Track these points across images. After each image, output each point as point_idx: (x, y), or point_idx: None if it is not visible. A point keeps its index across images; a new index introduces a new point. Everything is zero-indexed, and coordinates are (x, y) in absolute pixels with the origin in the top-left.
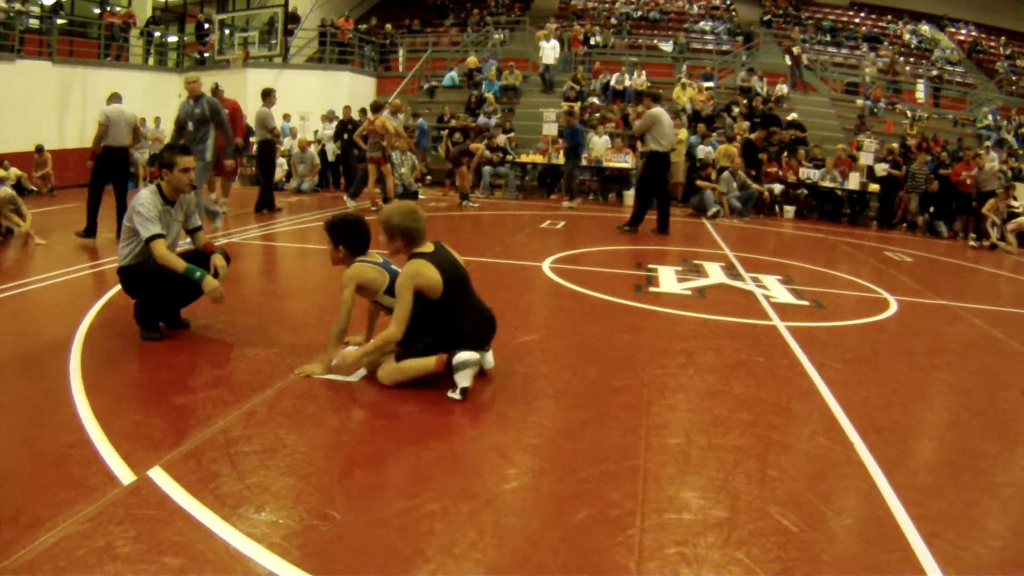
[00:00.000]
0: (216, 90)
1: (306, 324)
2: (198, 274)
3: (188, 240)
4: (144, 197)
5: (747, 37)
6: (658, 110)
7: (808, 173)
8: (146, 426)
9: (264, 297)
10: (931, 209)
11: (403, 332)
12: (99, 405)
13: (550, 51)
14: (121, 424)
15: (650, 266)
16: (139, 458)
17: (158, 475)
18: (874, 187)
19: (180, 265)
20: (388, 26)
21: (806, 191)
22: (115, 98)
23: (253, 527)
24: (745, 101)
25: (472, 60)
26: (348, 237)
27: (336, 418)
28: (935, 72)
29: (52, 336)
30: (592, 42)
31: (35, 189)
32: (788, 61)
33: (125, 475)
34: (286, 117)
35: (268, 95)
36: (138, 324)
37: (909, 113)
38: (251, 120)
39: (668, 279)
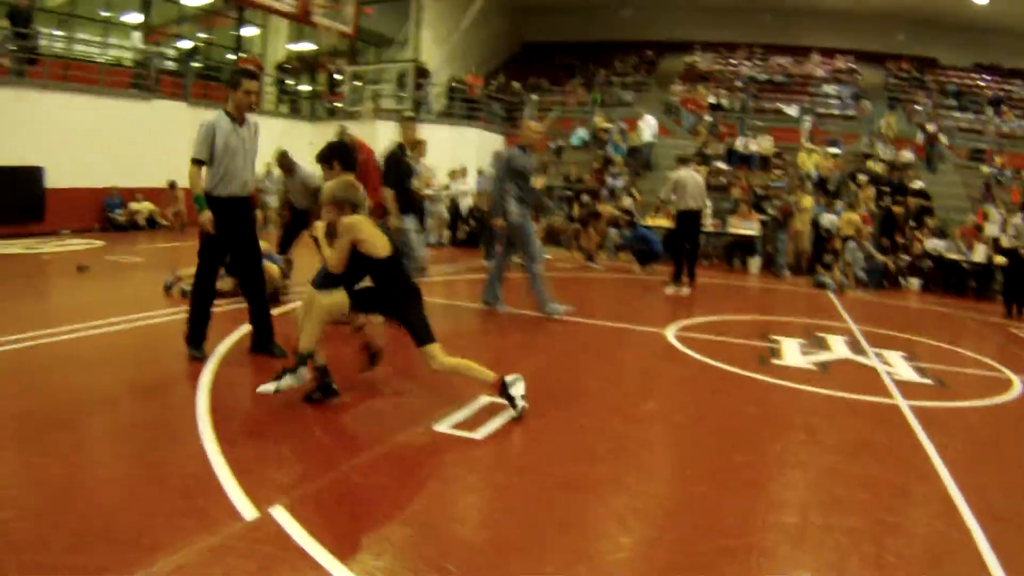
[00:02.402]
0: (344, 132)
1: (433, 376)
2: (201, 202)
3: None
4: (209, 118)
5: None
6: (681, 173)
7: (934, 244)
8: (271, 464)
9: (394, 348)
10: None
11: (340, 268)
12: (225, 439)
13: (647, 129)
14: (246, 460)
15: (774, 337)
16: (262, 495)
17: (280, 513)
18: (1000, 259)
19: (197, 189)
20: (516, 84)
21: (932, 263)
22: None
23: (370, 573)
24: (872, 167)
25: (599, 120)
26: (340, 154)
27: (457, 472)
28: None
29: (183, 367)
30: (717, 104)
31: (167, 224)
32: (920, 139)
33: (247, 510)
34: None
35: (416, 146)
36: (186, 336)
37: None
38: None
39: (792, 352)
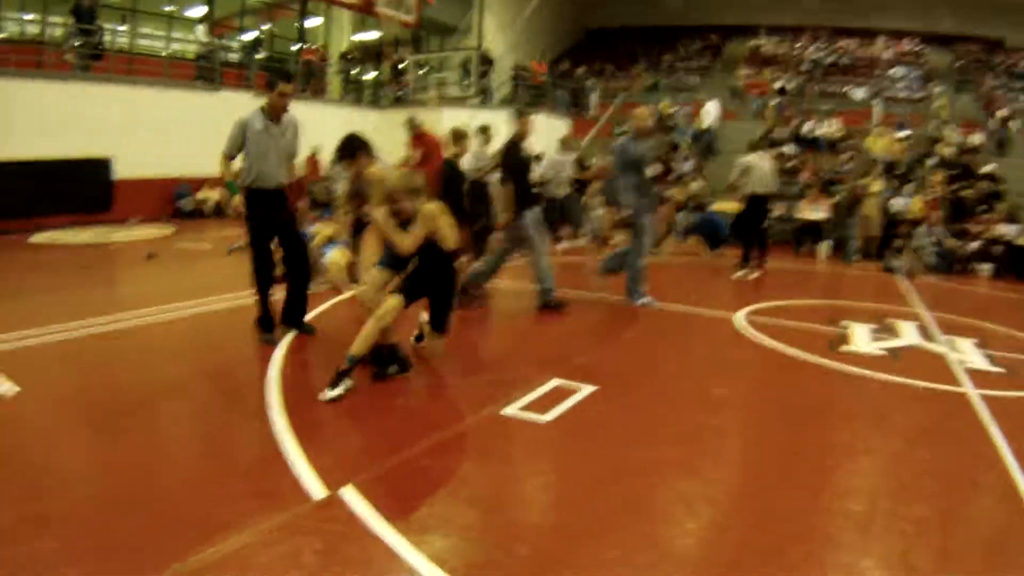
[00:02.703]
0: (414, 123)
1: (506, 360)
2: (232, 188)
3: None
4: (244, 115)
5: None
6: (751, 157)
7: (1004, 230)
8: (340, 446)
9: (460, 331)
10: None
11: (413, 251)
12: (296, 421)
13: (708, 115)
14: (316, 441)
15: (843, 323)
16: (331, 476)
17: (349, 494)
18: None
19: (227, 176)
20: (580, 69)
21: (1003, 248)
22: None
23: (437, 553)
24: (940, 150)
25: (664, 105)
26: (361, 145)
27: (524, 456)
28: None
29: (254, 351)
30: (783, 88)
31: (237, 212)
32: (991, 125)
33: (317, 490)
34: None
35: (484, 132)
36: (256, 320)
37: None
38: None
39: (862, 337)
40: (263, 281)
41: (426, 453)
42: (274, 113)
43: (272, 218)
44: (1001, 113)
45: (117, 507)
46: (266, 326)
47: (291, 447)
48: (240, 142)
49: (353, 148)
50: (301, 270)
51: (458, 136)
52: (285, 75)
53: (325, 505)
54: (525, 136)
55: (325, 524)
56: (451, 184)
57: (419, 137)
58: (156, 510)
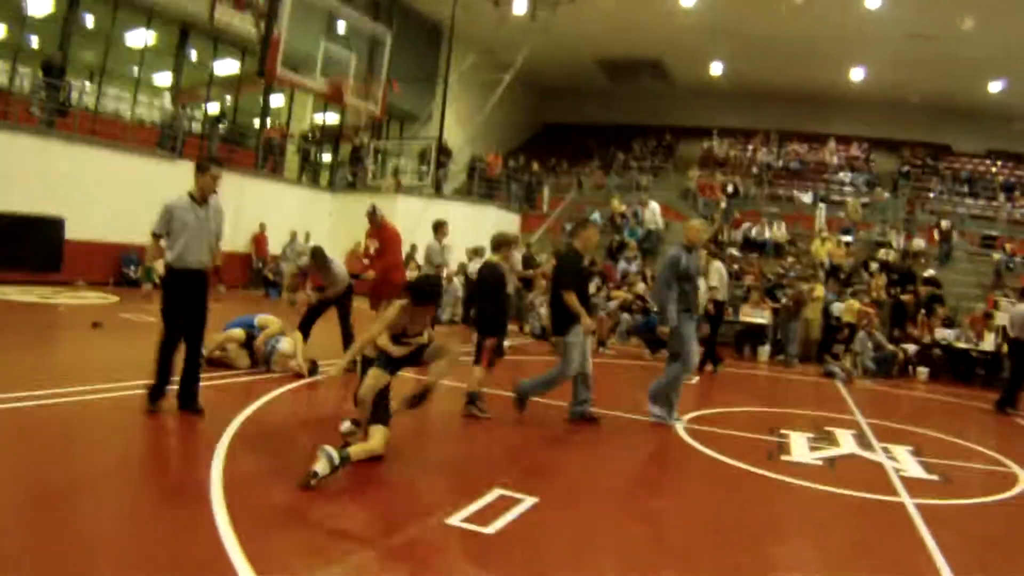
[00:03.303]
0: (377, 213)
1: (447, 467)
2: (149, 275)
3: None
4: (172, 197)
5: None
6: (718, 264)
7: (943, 333)
8: (284, 555)
9: (408, 436)
10: None
11: None
12: (239, 526)
13: (650, 215)
14: (258, 550)
15: (782, 432)
16: None
17: None
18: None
19: (148, 261)
20: (535, 165)
21: (940, 352)
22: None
23: None
24: (883, 255)
25: (616, 204)
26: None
27: (468, 570)
28: None
29: (197, 438)
30: (735, 191)
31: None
32: (937, 236)
33: None
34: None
35: (440, 227)
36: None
37: None
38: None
39: (800, 447)
40: (165, 357)
41: (368, 565)
42: (201, 196)
43: (189, 297)
44: (944, 224)
45: None
46: (154, 397)
47: (235, 552)
48: (167, 223)
49: (433, 296)
50: (197, 350)
51: (501, 243)
52: (219, 162)
53: None
54: (589, 250)
55: None
56: (495, 289)
57: (381, 228)
58: None
